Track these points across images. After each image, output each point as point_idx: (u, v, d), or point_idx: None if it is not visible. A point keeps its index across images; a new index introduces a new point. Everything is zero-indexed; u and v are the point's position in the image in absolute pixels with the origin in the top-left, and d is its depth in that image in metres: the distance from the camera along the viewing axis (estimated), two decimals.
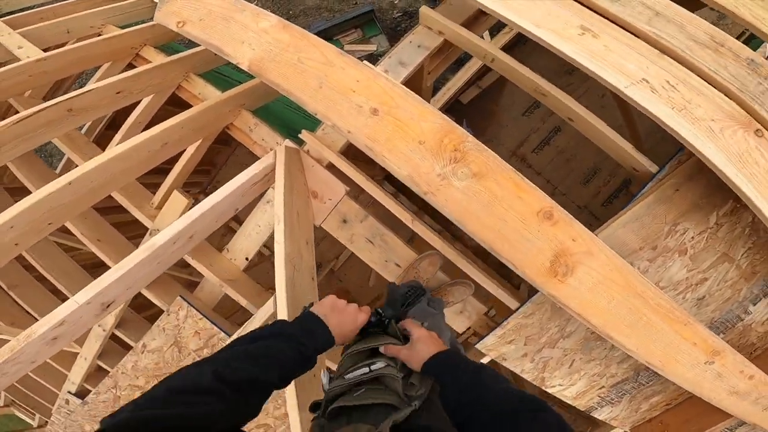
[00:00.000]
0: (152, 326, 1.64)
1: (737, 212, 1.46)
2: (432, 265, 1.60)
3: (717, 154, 1.17)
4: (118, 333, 1.83)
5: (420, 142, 1.13)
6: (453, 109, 3.52)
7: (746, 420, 1.60)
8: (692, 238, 1.48)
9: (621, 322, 1.23)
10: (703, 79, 1.14)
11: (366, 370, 0.74)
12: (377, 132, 1.13)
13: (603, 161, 3.03)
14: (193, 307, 1.60)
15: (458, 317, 1.77)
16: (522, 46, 3.14)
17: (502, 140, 3.63)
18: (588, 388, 1.74)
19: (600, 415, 1.81)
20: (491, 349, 1.60)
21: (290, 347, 0.67)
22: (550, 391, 1.72)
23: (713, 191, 1.34)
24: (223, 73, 1.86)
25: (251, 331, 0.72)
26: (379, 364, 0.74)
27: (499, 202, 1.11)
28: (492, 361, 1.65)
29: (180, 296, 1.59)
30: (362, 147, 1.14)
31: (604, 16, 1.11)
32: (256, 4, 4.43)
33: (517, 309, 1.56)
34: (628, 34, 1.11)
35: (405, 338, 0.83)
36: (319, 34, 3.80)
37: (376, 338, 0.82)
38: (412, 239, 2.08)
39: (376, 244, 1.59)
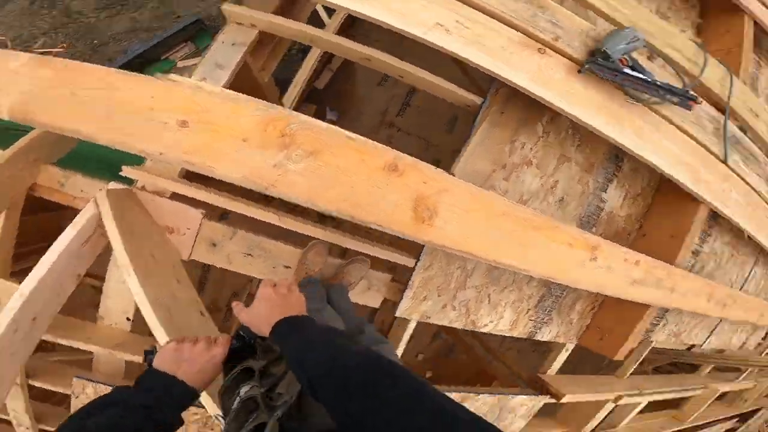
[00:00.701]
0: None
1: (556, 118, 1.67)
2: (318, 254, 1.58)
3: (516, 74, 1.31)
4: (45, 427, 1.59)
5: (243, 139, 1.08)
6: (312, 98, 3.51)
7: (659, 305, 1.89)
8: (531, 149, 1.66)
9: (499, 245, 1.33)
10: (489, 16, 1.28)
11: (237, 399, 0.68)
12: (193, 144, 1.06)
13: (457, 107, 3.30)
14: (98, 383, 1.43)
15: (368, 293, 1.79)
16: (360, 24, 3.23)
17: (368, 113, 3.74)
18: (516, 316, 1.89)
19: (543, 337, 1.99)
20: (411, 311, 1.64)
21: (139, 420, 0.57)
22: (486, 330, 1.83)
23: (531, 106, 1.51)
24: (12, 128, 1.59)
25: (84, 408, 0.60)
26: (245, 388, 0.69)
27: (343, 172, 1.11)
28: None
29: (75, 377, 1.42)
30: (182, 164, 1.06)
31: None
32: (47, 40, 3.89)
33: (416, 265, 1.61)
34: None
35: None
36: (139, 57, 3.47)
37: (244, 363, 0.74)
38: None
39: (256, 255, 1.53)
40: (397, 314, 1.61)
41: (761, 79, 2.22)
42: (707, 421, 3.49)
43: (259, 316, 0.70)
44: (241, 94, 1.13)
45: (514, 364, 2.59)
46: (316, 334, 0.64)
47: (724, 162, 1.76)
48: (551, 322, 1.99)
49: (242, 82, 1.78)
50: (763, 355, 3.71)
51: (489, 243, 1.32)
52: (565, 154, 1.74)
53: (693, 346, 2.84)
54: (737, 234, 2.27)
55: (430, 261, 1.60)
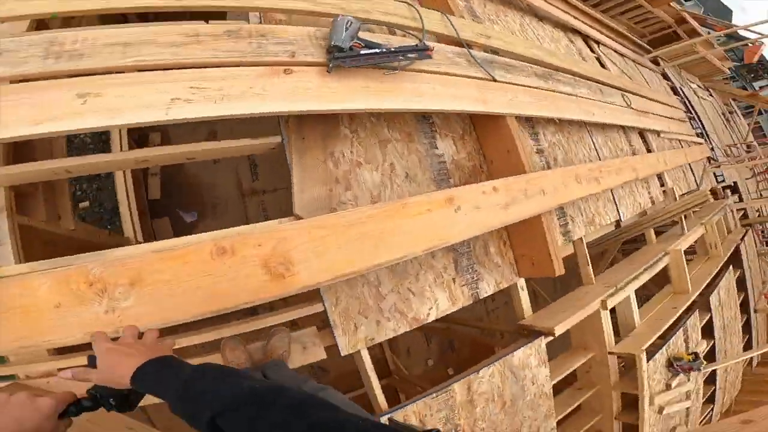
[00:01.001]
0: None
1: (354, 116, 1.88)
2: (233, 350, 1.53)
3: (277, 104, 1.44)
4: None
5: (56, 306, 1.02)
6: (157, 212, 3.38)
7: (543, 210, 2.03)
8: (351, 152, 1.84)
9: (364, 252, 1.37)
10: (217, 67, 1.38)
11: None
12: (15, 334, 0.98)
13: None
14: None
15: (308, 352, 1.70)
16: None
17: (224, 194, 3.70)
18: (447, 290, 1.92)
19: (488, 291, 2.03)
20: (353, 344, 1.61)
21: None
22: (433, 318, 1.83)
23: (323, 118, 1.71)
24: None
25: None
26: None
27: (176, 282, 1.09)
28: None
29: None
30: (20, 353, 0.97)
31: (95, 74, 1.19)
32: None
33: (325, 306, 1.59)
34: (135, 75, 1.24)
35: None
36: None
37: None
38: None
39: None
40: (344, 353, 1.58)
41: (475, 7, 2.78)
42: (710, 280, 3.62)
43: (113, 366, 0.65)
44: (25, 264, 1.09)
45: (504, 326, 2.57)
46: (195, 369, 0.63)
47: (494, 80, 2.12)
48: (482, 276, 2.05)
49: (41, 244, 1.68)
50: (678, 198, 4.14)
51: (355, 256, 1.36)
52: (382, 138, 1.96)
53: (618, 223, 3.05)
54: (551, 126, 2.66)
55: (334, 295, 1.61)
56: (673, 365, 2.80)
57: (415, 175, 2.00)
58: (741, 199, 7.03)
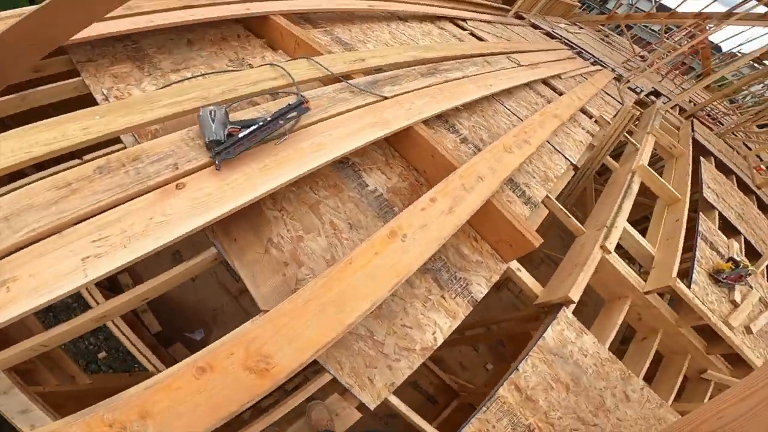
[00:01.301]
0: None
1: (273, 195, 1.74)
2: (320, 413, 1.68)
3: (185, 223, 1.34)
4: None
5: None
6: (164, 342, 3.45)
7: (488, 196, 1.99)
8: (287, 230, 1.75)
9: (333, 321, 1.35)
10: (105, 211, 1.28)
11: None
12: None
13: None
14: None
15: (341, 417, 1.68)
16: None
17: (215, 304, 3.87)
18: (442, 309, 1.84)
19: (482, 292, 1.96)
20: (375, 396, 1.58)
21: None
22: (441, 341, 1.78)
23: (240, 214, 1.57)
24: None
25: None
26: None
27: (177, 405, 1.10)
28: None
29: None
30: None
31: None
32: None
33: (332, 374, 1.56)
34: (36, 246, 1.15)
35: None
36: None
37: None
38: None
39: None
40: (372, 407, 1.58)
41: (342, 36, 2.89)
42: (691, 179, 3.63)
43: None
44: (61, 420, 1.07)
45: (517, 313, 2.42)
46: None
47: (385, 98, 2.10)
48: (470, 280, 1.99)
49: (69, 400, 1.61)
50: (612, 122, 4.25)
51: (325, 327, 1.34)
52: (312, 203, 1.90)
53: (574, 167, 3.05)
54: (463, 112, 2.69)
55: (335, 361, 1.58)
56: (719, 281, 2.70)
57: (358, 221, 1.91)
58: (669, 99, 7.45)
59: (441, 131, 2.46)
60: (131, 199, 1.33)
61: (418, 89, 2.36)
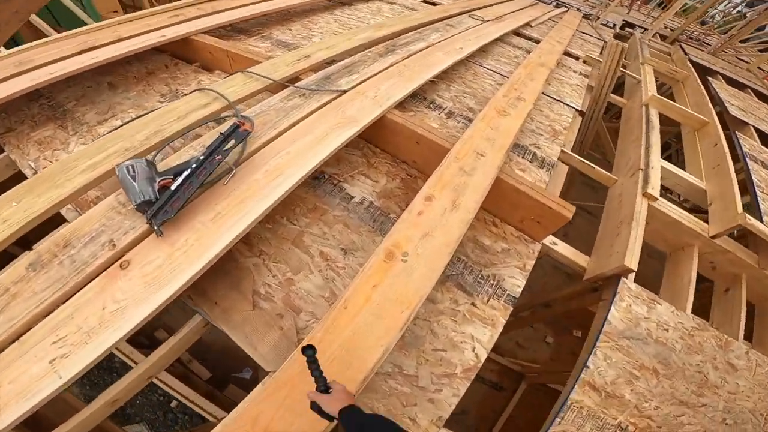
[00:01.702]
0: None
1: (245, 238, 1.51)
2: None
3: (146, 303, 1.14)
4: None
5: None
6: (222, 383, 3.56)
7: (496, 167, 1.71)
8: (272, 275, 1.49)
9: (345, 371, 1.13)
10: (51, 312, 1.12)
11: None
12: None
13: None
14: None
15: None
16: None
17: None
18: (475, 318, 1.56)
19: (518, 285, 1.67)
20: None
21: None
22: (484, 357, 1.49)
23: (211, 273, 1.30)
24: None
25: None
26: None
27: None
28: None
29: None
30: None
31: None
32: None
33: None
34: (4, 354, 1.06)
35: None
36: None
37: None
38: None
39: None
40: None
41: (282, 37, 2.65)
42: (708, 99, 3.29)
43: (331, 403, 0.94)
44: None
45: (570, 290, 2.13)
46: (371, 416, 0.90)
47: (344, 91, 1.79)
48: (500, 275, 1.76)
49: None
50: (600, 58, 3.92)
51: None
52: (293, 237, 1.61)
53: (580, 113, 2.73)
54: (440, 84, 2.37)
55: (368, 409, 1.33)
56: None
57: (352, 243, 1.63)
58: (646, 29, 7.15)
59: (421, 111, 2.16)
60: (75, 292, 1.17)
61: (380, 72, 2.07)
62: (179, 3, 2.58)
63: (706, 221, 2.14)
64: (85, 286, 1.19)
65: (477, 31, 3.30)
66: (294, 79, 1.91)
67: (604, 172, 2.37)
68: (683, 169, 2.56)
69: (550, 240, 1.88)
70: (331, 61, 2.17)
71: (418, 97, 2.28)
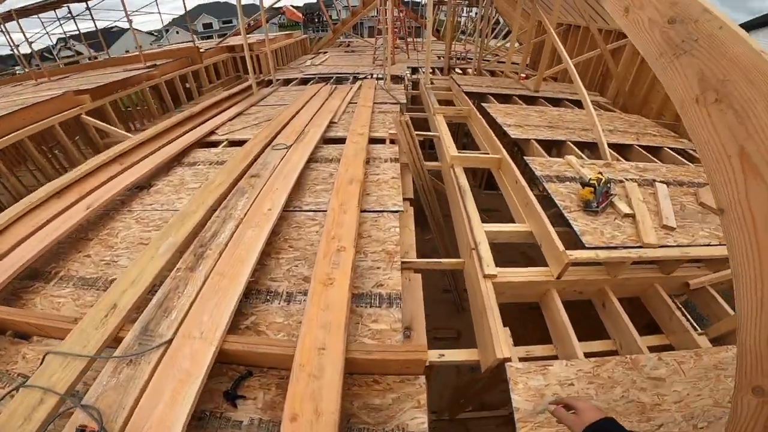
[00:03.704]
0: None
1: None
2: None
3: None
4: None
5: None
6: None
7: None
8: None
9: None
10: None
11: None
12: None
13: None
14: None
15: None
16: None
17: None
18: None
19: (423, 422, 1.64)
20: None
21: None
22: None
23: None
24: None
25: None
26: None
27: None
28: None
29: None
30: None
31: None
32: None
33: None
34: None
35: None
36: None
37: None
38: None
39: None
40: None
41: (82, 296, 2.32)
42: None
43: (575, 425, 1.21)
44: None
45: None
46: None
47: (169, 342, 1.73)
48: (400, 422, 1.64)
49: None
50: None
51: None
52: None
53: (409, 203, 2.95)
54: (270, 261, 2.35)
55: None
56: (596, 211, 2.65)
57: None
58: (423, 69, 8.04)
59: (260, 309, 2.12)
60: None
61: (197, 297, 2.01)
62: None
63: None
64: None
65: (283, 167, 3.41)
66: (115, 339, 1.83)
67: (453, 260, 2.58)
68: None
69: (436, 355, 1.94)
70: (146, 299, 2.04)
71: (251, 296, 2.20)
